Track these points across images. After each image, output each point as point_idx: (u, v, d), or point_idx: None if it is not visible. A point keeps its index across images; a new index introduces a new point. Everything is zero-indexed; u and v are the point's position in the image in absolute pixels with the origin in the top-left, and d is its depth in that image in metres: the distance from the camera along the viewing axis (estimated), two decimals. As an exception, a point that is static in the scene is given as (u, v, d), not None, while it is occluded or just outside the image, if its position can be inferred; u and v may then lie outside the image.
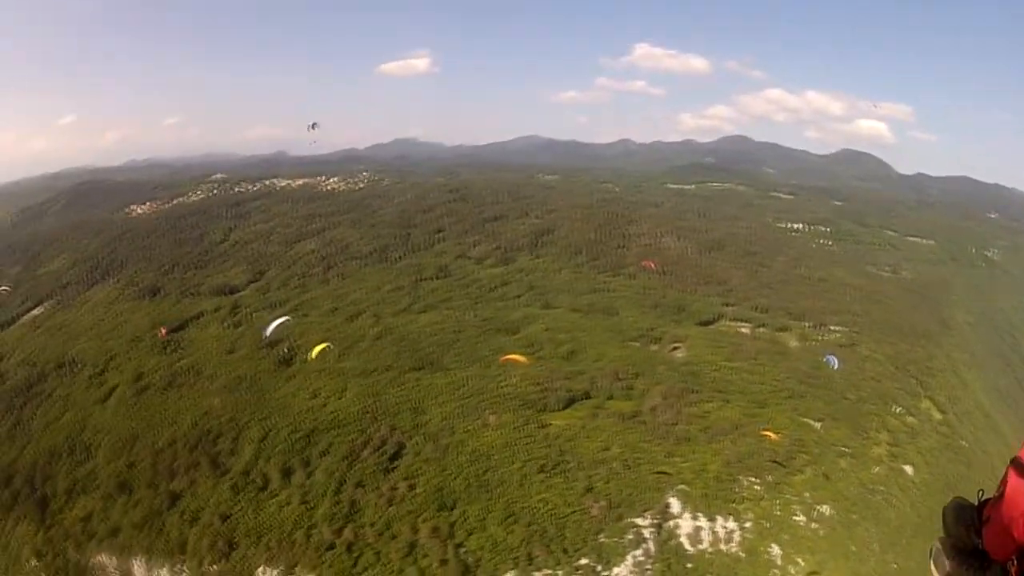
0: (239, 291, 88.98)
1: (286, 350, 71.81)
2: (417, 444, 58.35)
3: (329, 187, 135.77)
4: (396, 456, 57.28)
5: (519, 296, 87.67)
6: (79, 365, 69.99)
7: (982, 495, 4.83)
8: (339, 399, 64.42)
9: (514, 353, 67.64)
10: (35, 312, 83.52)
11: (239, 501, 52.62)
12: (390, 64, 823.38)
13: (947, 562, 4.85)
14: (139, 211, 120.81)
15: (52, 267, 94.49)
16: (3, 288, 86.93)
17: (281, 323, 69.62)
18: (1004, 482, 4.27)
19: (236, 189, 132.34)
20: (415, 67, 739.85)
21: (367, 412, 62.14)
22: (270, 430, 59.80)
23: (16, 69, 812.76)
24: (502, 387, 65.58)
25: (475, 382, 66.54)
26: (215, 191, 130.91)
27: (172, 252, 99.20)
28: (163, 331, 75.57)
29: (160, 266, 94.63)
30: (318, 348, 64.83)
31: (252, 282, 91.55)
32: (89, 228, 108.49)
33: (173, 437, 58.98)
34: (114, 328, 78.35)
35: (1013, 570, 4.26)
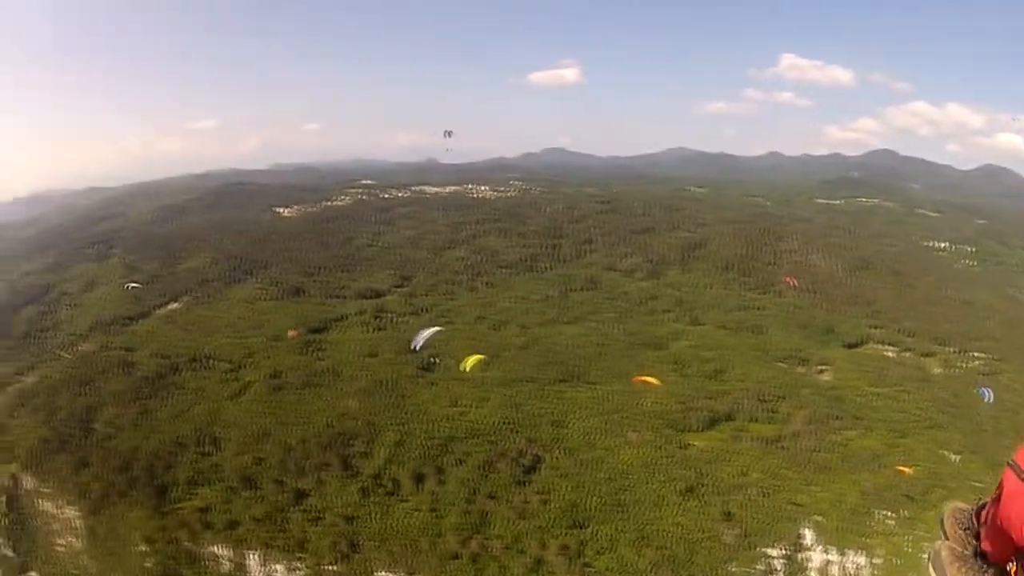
0: (384, 295, 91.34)
1: (429, 357, 72.42)
2: (555, 458, 58.35)
3: (478, 195, 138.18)
4: (532, 469, 57.41)
5: (667, 311, 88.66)
6: (214, 360, 72.81)
7: (980, 498, 5.07)
8: (479, 408, 64.59)
9: (652, 373, 67.41)
10: (172, 306, 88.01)
11: (366, 504, 52.91)
12: (539, 74, 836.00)
13: (946, 566, 4.94)
14: (285, 213, 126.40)
15: (192, 264, 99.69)
16: (133, 284, 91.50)
17: (432, 334, 70.00)
18: (1001, 485, 4.39)
19: (384, 195, 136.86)
20: (564, 77, 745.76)
21: (507, 423, 61.86)
22: (406, 435, 60.24)
23: (158, 71, 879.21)
24: (645, 404, 65.78)
25: (618, 397, 66.79)
26: (363, 196, 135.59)
27: (317, 254, 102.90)
28: (293, 332, 77.47)
29: (304, 268, 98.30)
30: (473, 359, 64.61)
31: (397, 287, 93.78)
32: (233, 228, 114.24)
33: (305, 436, 60.10)
34: (254, 326, 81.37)
35: (1012, 571, 4.40)
